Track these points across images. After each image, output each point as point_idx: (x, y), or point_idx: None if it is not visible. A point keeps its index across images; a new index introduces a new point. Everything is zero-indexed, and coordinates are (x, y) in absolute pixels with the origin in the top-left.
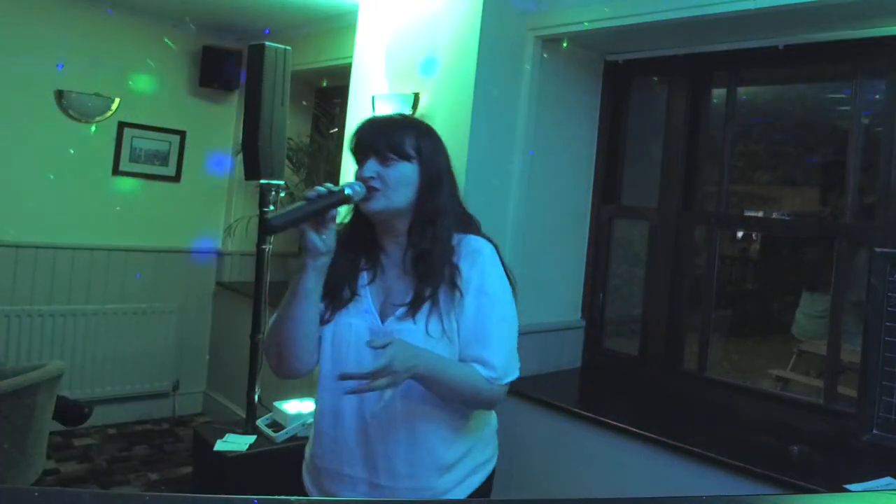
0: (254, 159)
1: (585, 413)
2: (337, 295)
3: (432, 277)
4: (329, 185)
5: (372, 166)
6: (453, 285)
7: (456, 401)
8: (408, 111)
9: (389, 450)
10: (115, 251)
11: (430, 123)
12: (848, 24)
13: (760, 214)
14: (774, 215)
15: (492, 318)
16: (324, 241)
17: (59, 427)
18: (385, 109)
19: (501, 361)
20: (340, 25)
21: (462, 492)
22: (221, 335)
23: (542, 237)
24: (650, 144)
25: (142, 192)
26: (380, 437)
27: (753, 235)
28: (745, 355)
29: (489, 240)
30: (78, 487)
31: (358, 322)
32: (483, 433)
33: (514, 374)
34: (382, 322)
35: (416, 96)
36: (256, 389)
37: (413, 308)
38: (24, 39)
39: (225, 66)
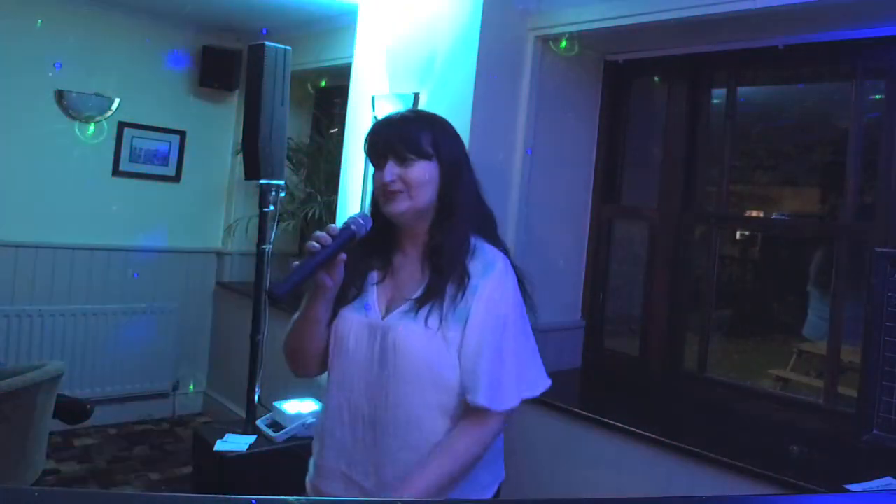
0: (254, 159)
1: (585, 413)
2: (343, 294)
3: (446, 270)
4: (332, 227)
5: (392, 169)
6: (460, 285)
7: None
8: None
9: (381, 453)
10: (115, 251)
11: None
12: (848, 24)
13: (760, 214)
14: (774, 215)
15: (495, 342)
16: (333, 278)
17: (59, 427)
18: (385, 109)
19: (497, 389)
20: (340, 25)
21: None
22: (221, 335)
23: (542, 237)
24: (650, 144)
25: (142, 192)
26: (374, 439)
27: (753, 236)
28: (745, 355)
29: (503, 249)
30: (78, 487)
31: (358, 316)
32: (484, 456)
33: (511, 403)
34: (385, 318)
35: (416, 96)
36: (256, 389)
37: (420, 302)
38: (24, 39)
39: (225, 66)
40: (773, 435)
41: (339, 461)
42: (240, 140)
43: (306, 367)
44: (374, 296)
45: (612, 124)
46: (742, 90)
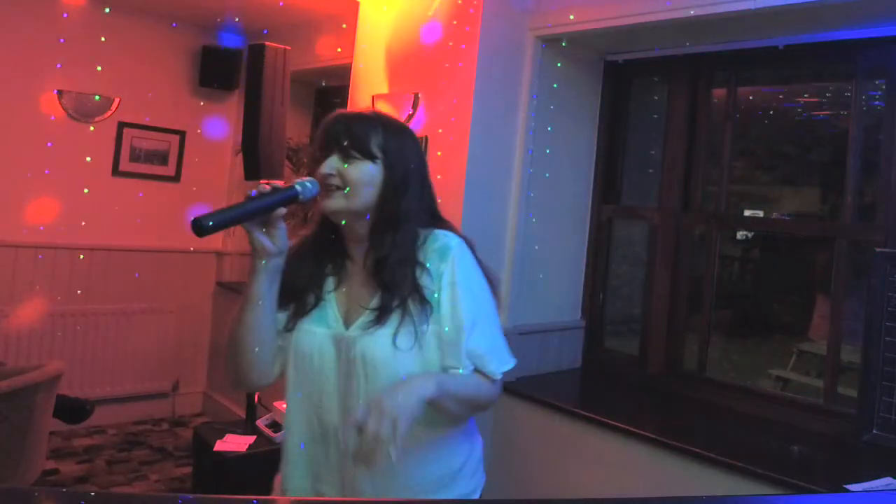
0: (254, 159)
1: (585, 413)
2: (301, 301)
3: (394, 285)
4: (275, 183)
5: (332, 163)
6: (423, 298)
7: (463, 413)
8: (408, 111)
9: (360, 471)
10: (115, 251)
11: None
12: (848, 24)
13: (760, 214)
14: (774, 215)
15: (472, 311)
16: (273, 241)
17: (59, 427)
18: (385, 109)
19: (491, 355)
20: (340, 25)
21: None
22: (221, 335)
23: (542, 237)
24: (650, 144)
25: (142, 192)
26: (346, 452)
27: (754, 236)
28: (745, 355)
29: (461, 236)
30: (78, 487)
31: (321, 330)
32: (467, 464)
33: (507, 364)
34: (347, 329)
35: (416, 96)
36: None
37: (379, 317)
38: (24, 39)
39: (225, 66)
40: (773, 435)
41: (307, 480)
42: (240, 140)
43: (247, 375)
44: (333, 305)
45: (612, 124)
46: (742, 90)
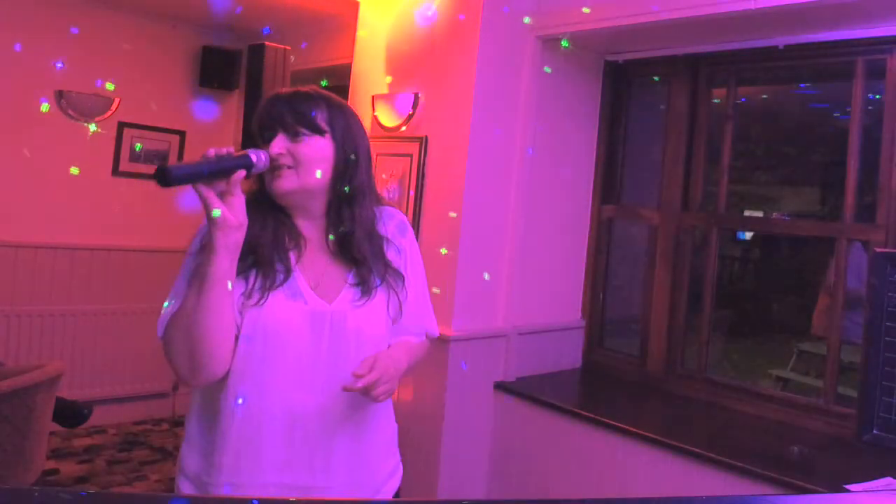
0: None
1: (585, 413)
2: (269, 273)
3: (368, 260)
4: (230, 151)
5: (280, 142)
6: (396, 270)
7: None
8: (408, 111)
9: (332, 444)
10: (114, 251)
11: (433, 121)
12: (848, 24)
13: (760, 214)
14: (774, 215)
15: (424, 286)
16: (232, 212)
17: (59, 427)
18: (385, 109)
19: (433, 319)
20: (340, 25)
21: (394, 483)
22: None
23: (543, 237)
24: (650, 144)
25: (142, 192)
26: (321, 433)
27: (754, 236)
28: (745, 355)
29: None
30: (78, 487)
31: (297, 304)
32: (394, 437)
33: (436, 331)
34: (329, 303)
35: (416, 96)
36: None
37: (366, 291)
38: (24, 39)
39: (225, 66)
40: (773, 435)
41: (267, 473)
42: (240, 140)
43: (208, 366)
44: (301, 279)
45: (612, 124)
46: (742, 90)
